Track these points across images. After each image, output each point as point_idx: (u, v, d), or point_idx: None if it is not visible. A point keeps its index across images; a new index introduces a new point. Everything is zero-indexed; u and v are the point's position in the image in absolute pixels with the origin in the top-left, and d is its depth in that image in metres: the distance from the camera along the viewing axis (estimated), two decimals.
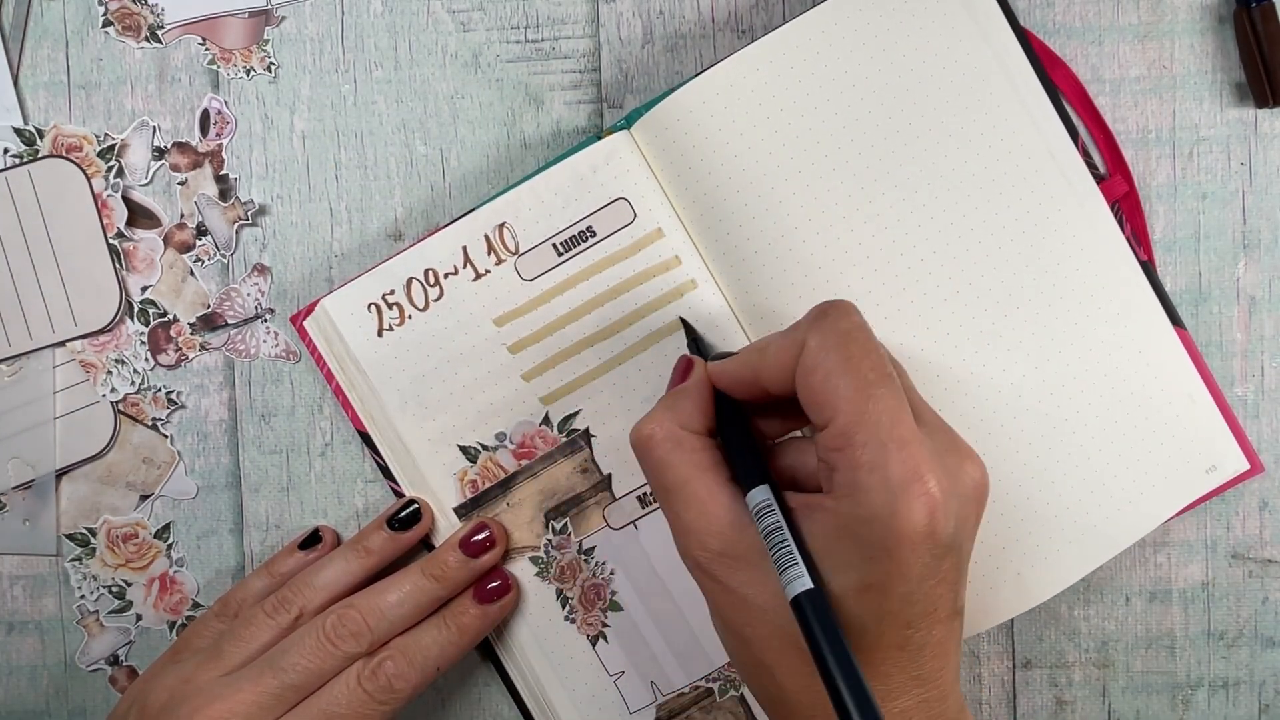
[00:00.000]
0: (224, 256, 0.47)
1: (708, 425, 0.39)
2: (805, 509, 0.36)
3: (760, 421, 0.40)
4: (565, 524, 0.45)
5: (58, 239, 0.47)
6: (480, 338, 0.44)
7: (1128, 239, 0.45)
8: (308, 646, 0.41)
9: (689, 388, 0.39)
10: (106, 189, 0.47)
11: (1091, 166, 0.45)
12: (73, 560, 0.48)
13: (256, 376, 0.48)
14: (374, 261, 0.47)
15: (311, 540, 0.46)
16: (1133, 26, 0.46)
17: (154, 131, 0.47)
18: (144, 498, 0.48)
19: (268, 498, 0.48)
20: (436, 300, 0.44)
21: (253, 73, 0.47)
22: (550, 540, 0.45)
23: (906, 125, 0.43)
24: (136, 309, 0.47)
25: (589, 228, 0.44)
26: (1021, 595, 0.43)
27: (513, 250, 0.44)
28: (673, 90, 0.43)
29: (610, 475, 0.45)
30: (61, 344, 0.47)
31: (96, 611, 0.48)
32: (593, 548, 0.45)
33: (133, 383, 0.47)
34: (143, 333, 0.47)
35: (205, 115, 0.48)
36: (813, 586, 0.34)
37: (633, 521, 0.45)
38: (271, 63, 0.47)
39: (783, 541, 0.35)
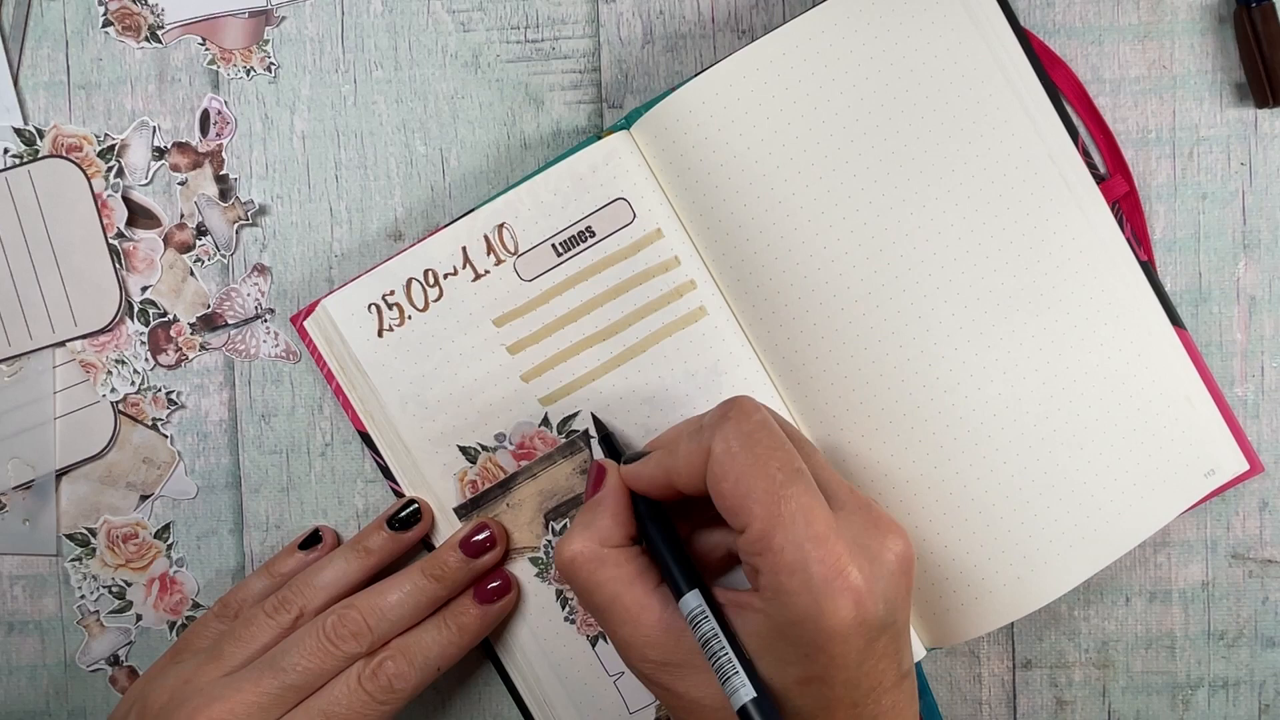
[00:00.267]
0: (224, 256, 0.47)
1: (628, 534, 0.39)
2: (737, 609, 0.37)
3: (681, 518, 0.40)
4: (565, 525, 0.45)
5: (58, 239, 0.47)
6: (480, 338, 0.44)
7: (1128, 239, 0.45)
8: (308, 647, 0.41)
9: (604, 499, 0.40)
10: (106, 189, 0.47)
11: (1091, 167, 0.45)
12: (73, 560, 0.48)
13: (256, 376, 0.48)
14: (374, 262, 0.47)
15: (311, 540, 0.46)
16: (1133, 26, 0.46)
17: (154, 131, 0.47)
18: (144, 498, 0.48)
19: (268, 498, 0.48)
20: (436, 300, 0.45)
21: (253, 73, 0.47)
22: (550, 541, 0.45)
23: (906, 125, 0.43)
24: (136, 309, 0.47)
25: (588, 228, 0.44)
26: (1020, 599, 0.43)
27: (512, 250, 0.44)
28: (673, 90, 0.43)
29: None
30: (61, 344, 0.47)
31: (96, 611, 0.48)
32: None
33: (133, 383, 0.47)
34: (143, 333, 0.47)
35: (205, 115, 0.48)
36: (755, 695, 0.35)
37: None
38: (271, 63, 0.47)
39: (721, 649, 0.36)
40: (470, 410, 0.45)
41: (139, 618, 0.48)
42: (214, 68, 0.47)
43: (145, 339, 0.47)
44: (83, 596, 0.48)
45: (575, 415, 0.45)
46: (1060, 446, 0.43)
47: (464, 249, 0.44)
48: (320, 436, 0.47)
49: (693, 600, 0.37)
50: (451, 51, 0.47)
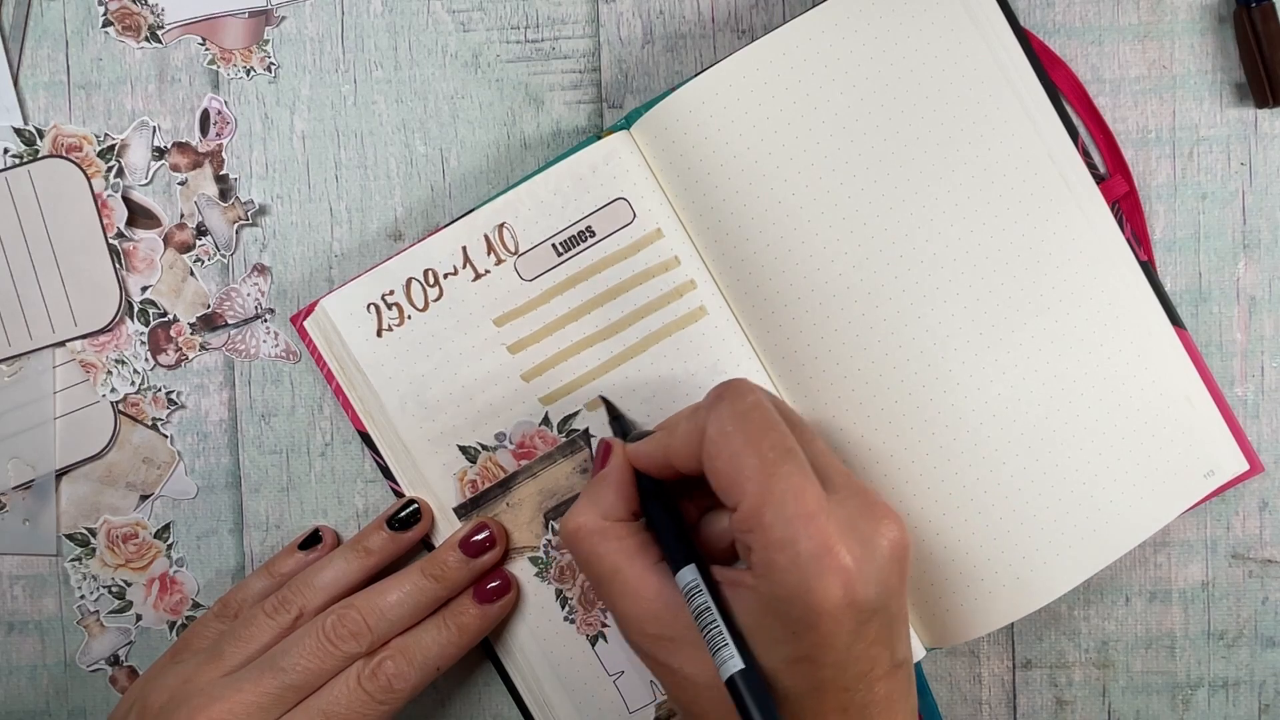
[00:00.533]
0: (224, 256, 0.47)
1: (631, 509, 0.40)
2: (731, 586, 0.37)
3: (684, 497, 0.41)
4: None
5: (58, 239, 0.47)
6: (480, 338, 0.44)
7: (1128, 239, 0.45)
8: (308, 647, 0.41)
9: (609, 474, 0.41)
10: (106, 189, 0.47)
11: (1091, 167, 0.45)
12: (73, 560, 0.48)
13: (256, 376, 0.48)
14: (374, 261, 0.47)
15: (311, 540, 0.46)
16: (1133, 26, 0.46)
17: (154, 131, 0.47)
18: (144, 498, 0.48)
19: (268, 498, 0.48)
20: (436, 300, 0.45)
21: (253, 73, 0.47)
22: (550, 540, 0.45)
23: (906, 125, 0.43)
24: (136, 309, 0.47)
25: (588, 228, 0.44)
26: (1020, 599, 0.43)
27: (512, 250, 0.44)
28: (673, 90, 0.43)
29: None
30: (61, 344, 0.47)
31: (96, 611, 0.48)
32: None
33: (133, 383, 0.47)
34: (143, 333, 0.47)
35: (205, 115, 0.48)
36: (744, 666, 0.35)
37: None
38: (271, 63, 0.47)
39: (712, 622, 0.36)
40: (470, 410, 0.45)
41: (139, 618, 0.48)
42: (214, 68, 0.47)
43: (145, 339, 0.47)
44: (83, 596, 0.48)
45: (576, 414, 0.45)
46: (1060, 446, 0.43)
47: (464, 249, 0.44)
48: (320, 436, 0.47)
49: (688, 574, 0.38)
50: (451, 51, 0.47)
